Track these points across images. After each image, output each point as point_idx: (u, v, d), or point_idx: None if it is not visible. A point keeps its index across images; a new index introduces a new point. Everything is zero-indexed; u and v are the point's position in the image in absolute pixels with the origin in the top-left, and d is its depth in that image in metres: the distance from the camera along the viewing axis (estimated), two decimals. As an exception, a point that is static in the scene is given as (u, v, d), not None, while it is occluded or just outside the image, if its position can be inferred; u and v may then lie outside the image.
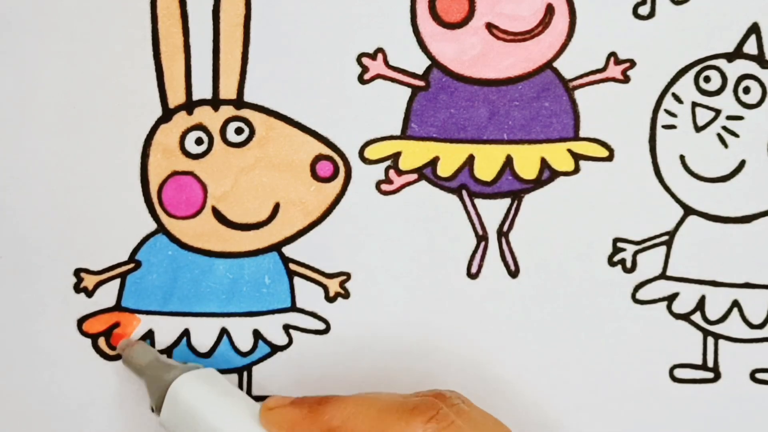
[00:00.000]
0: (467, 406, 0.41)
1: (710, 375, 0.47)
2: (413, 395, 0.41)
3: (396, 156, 0.47)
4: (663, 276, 0.47)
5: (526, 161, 0.47)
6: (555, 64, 0.47)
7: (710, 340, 0.47)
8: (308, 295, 0.47)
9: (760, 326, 0.47)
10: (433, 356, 0.47)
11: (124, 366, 0.46)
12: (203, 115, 0.47)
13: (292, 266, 0.47)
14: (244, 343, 0.47)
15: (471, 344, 0.47)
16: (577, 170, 0.47)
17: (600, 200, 0.47)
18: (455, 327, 0.47)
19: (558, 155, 0.47)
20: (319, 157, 0.47)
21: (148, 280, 0.47)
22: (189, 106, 0.47)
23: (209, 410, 0.41)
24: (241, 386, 0.47)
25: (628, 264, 0.47)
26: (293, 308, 0.47)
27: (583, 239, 0.47)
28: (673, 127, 0.47)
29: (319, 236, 0.47)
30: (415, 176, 0.47)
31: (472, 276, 0.47)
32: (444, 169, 0.47)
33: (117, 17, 0.47)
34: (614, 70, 0.47)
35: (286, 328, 0.47)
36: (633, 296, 0.47)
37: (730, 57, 0.47)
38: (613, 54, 0.47)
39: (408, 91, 0.47)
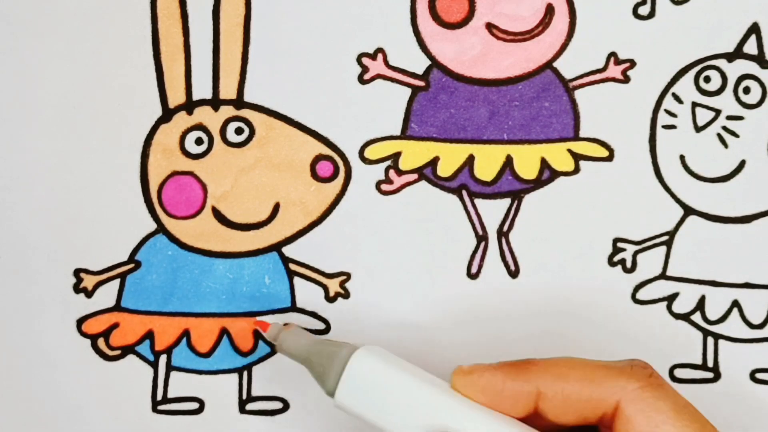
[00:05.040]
0: None
1: (710, 375, 0.47)
2: (615, 361, 0.40)
3: (396, 156, 0.47)
4: (663, 276, 0.47)
5: (526, 161, 0.47)
6: (555, 64, 0.47)
7: (710, 340, 0.47)
8: (308, 295, 0.47)
9: (760, 326, 0.47)
10: (433, 356, 0.47)
11: (280, 353, 0.44)
12: (203, 115, 0.47)
13: (292, 266, 0.47)
14: (244, 343, 0.47)
15: (471, 344, 0.47)
16: (577, 170, 0.47)
17: (600, 200, 0.47)
18: (455, 327, 0.47)
19: (558, 155, 0.47)
20: (319, 157, 0.47)
21: (148, 280, 0.47)
22: (189, 106, 0.47)
23: (397, 380, 0.40)
24: (241, 386, 0.47)
25: (628, 264, 0.47)
26: (293, 308, 0.47)
27: (583, 239, 0.47)
28: (673, 127, 0.47)
29: (319, 236, 0.47)
30: (415, 176, 0.47)
31: (472, 276, 0.47)
32: (444, 169, 0.47)
33: (117, 17, 0.47)
34: (614, 70, 0.47)
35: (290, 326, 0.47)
36: (633, 296, 0.47)
37: (730, 57, 0.47)
38: (613, 54, 0.47)
39: (408, 91, 0.47)
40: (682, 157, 0.47)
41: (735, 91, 0.47)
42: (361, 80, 0.47)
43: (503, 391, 0.39)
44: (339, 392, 0.40)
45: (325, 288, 0.47)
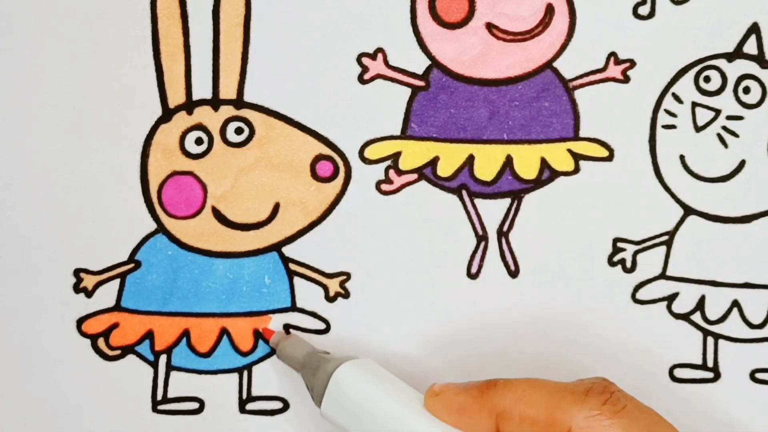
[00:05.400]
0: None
1: (710, 375, 0.47)
2: (579, 381, 0.40)
3: (396, 156, 0.47)
4: (663, 276, 0.47)
5: (526, 161, 0.47)
6: (555, 64, 0.47)
7: (710, 340, 0.47)
8: (308, 295, 0.47)
9: (760, 326, 0.47)
10: (433, 356, 0.47)
11: (279, 360, 0.46)
12: (203, 115, 0.47)
13: (292, 266, 0.47)
14: (244, 343, 0.47)
15: (471, 344, 0.47)
16: (577, 170, 0.47)
17: (600, 200, 0.47)
18: (455, 327, 0.47)
19: (558, 155, 0.47)
20: (319, 157, 0.47)
21: (148, 280, 0.47)
22: (189, 106, 0.47)
23: (374, 397, 0.41)
24: (241, 386, 0.47)
25: (628, 264, 0.47)
26: (293, 308, 0.47)
27: (583, 239, 0.47)
28: (673, 127, 0.47)
29: (319, 236, 0.47)
30: (415, 176, 0.47)
31: (472, 276, 0.47)
32: (444, 169, 0.47)
33: (117, 17, 0.47)
34: (614, 70, 0.47)
35: (287, 327, 0.47)
36: (633, 296, 0.47)
37: (730, 57, 0.47)
38: (613, 54, 0.47)
39: (408, 91, 0.47)
40: (682, 157, 0.47)
41: (735, 91, 0.47)
42: (361, 80, 0.47)
43: (467, 413, 0.40)
44: (323, 405, 0.42)
45: (325, 288, 0.47)
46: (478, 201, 0.47)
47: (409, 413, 0.41)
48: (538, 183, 0.47)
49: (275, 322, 0.47)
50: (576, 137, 0.47)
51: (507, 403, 0.39)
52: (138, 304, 0.47)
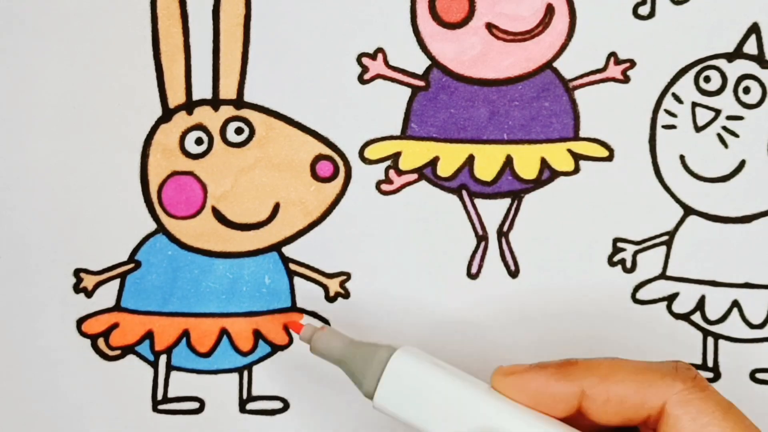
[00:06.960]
0: None
1: (710, 375, 0.47)
2: (660, 362, 0.39)
3: (396, 156, 0.47)
4: (663, 276, 0.47)
5: (526, 161, 0.47)
6: (555, 64, 0.47)
7: (710, 340, 0.47)
8: (308, 294, 0.47)
9: (760, 326, 0.47)
10: (433, 356, 0.47)
11: (314, 354, 0.43)
12: (203, 115, 0.47)
13: (292, 266, 0.47)
14: (244, 343, 0.47)
15: (471, 344, 0.47)
16: (577, 170, 0.47)
17: (600, 200, 0.47)
18: (455, 327, 0.47)
19: (558, 155, 0.47)
20: (319, 157, 0.47)
21: (148, 280, 0.47)
22: (189, 106, 0.47)
23: (438, 381, 0.39)
24: (241, 386, 0.47)
25: (628, 264, 0.47)
26: (293, 308, 0.47)
27: (583, 239, 0.47)
28: (673, 127, 0.47)
29: (319, 236, 0.47)
30: (415, 176, 0.47)
31: (472, 276, 0.47)
32: (444, 169, 0.47)
33: (117, 17, 0.47)
34: (614, 70, 0.47)
35: (287, 327, 0.47)
36: (633, 296, 0.47)
37: (730, 57, 0.47)
38: (613, 54, 0.47)
39: (408, 91, 0.47)
40: (682, 157, 0.47)
41: (735, 91, 0.47)
42: (361, 80, 0.47)
43: (546, 392, 0.38)
44: (378, 394, 0.40)
45: (325, 288, 0.47)
46: (478, 201, 0.47)
47: (478, 395, 0.39)
48: (538, 183, 0.47)
49: (275, 322, 0.47)
50: (576, 137, 0.47)
51: (591, 382, 0.38)
52: (138, 304, 0.47)
